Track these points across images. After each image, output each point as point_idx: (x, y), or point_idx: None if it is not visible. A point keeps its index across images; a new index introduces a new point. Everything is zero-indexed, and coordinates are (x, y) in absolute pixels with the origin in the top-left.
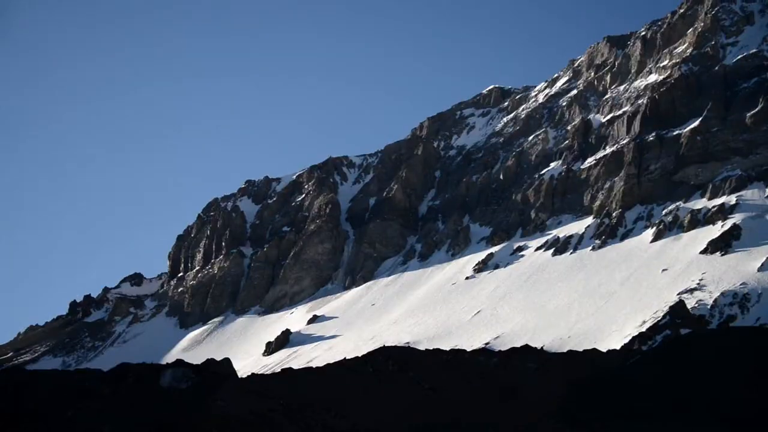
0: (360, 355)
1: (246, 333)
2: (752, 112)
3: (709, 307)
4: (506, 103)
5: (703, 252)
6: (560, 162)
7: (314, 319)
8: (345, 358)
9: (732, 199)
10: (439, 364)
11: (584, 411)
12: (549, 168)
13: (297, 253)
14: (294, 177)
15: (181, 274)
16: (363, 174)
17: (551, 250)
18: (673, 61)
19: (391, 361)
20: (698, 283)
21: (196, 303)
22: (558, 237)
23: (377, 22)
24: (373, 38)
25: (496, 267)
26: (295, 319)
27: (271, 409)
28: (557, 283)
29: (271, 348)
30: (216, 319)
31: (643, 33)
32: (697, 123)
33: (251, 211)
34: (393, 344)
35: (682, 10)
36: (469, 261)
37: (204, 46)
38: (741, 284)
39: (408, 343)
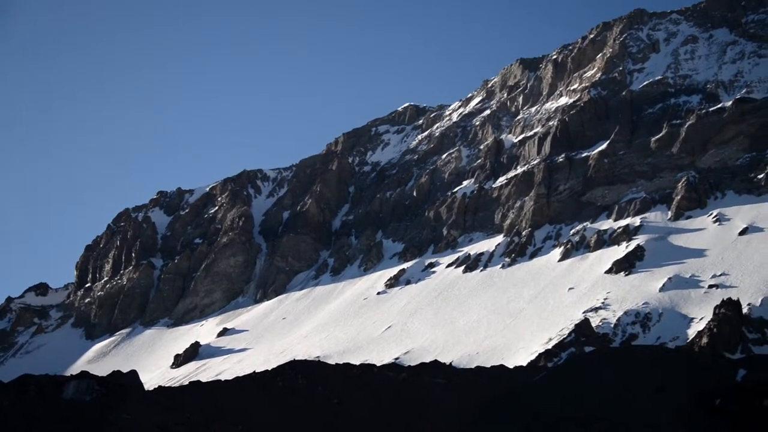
0: (269, 369)
1: (154, 345)
2: (657, 136)
3: (612, 325)
4: (421, 121)
5: (608, 272)
6: (472, 180)
7: (224, 332)
8: (254, 372)
9: (636, 220)
10: (349, 378)
11: (491, 426)
12: (461, 186)
13: (208, 265)
14: (207, 189)
15: (88, 284)
16: (277, 188)
17: (462, 267)
18: (583, 84)
19: (300, 375)
20: (603, 302)
21: (104, 314)
22: (469, 254)
23: (293, 35)
24: (290, 52)
25: (408, 283)
26: (204, 331)
27: (177, 422)
28: (467, 300)
29: (179, 360)
30: (123, 331)
31: (555, 56)
32: (604, 146)
33: (163, 223)
34: (303, 358)
35: (592, 36)
36: (381, 276)
37: (117, 53)
38: (643, 304)
39: (318, 357)
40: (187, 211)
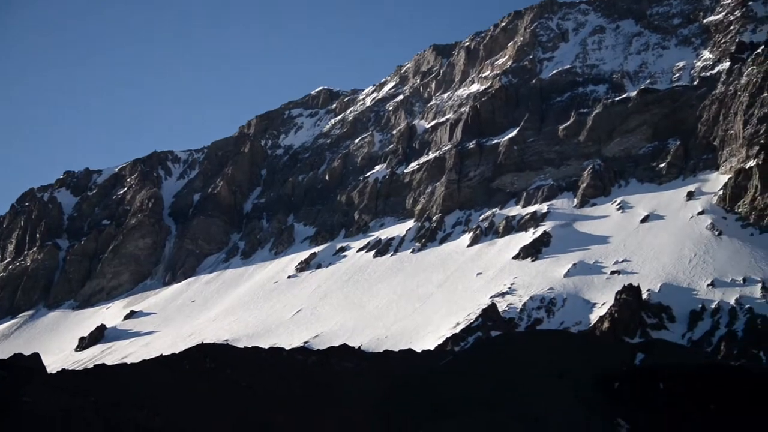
0: (177, 352)
1: (58, 328)
2: (565, 125)
3: (518, 310)
4: (334, 105)
5: (516, 257)
6: (385, 165)
7: (131, 315)
8: (161, 355)
9: (544, 207)
10: (257, 362)
11: (399, 409)
12: (374, 171)
13: (116, 247)
14: (116, 170)
15: None
16: (188, 169)
17: (373, 252)
18: (494, 72)
19: (208, 359)
20: (510, 288)
21: (6, 296)
22: (380, 239)
23: (207, 15)
24: (201, 33)
25: (319, 267)
26: (111, 314)
27: (81, 406)
28: (377, 284)
29: (84, 343)
30: (26, 313)
31: (468, 43)
32: (514, 133)
33: (69, 203)
34: (211, 341)
35: (503, 24)
36: (292, 260)
37: (29, 39)
38: (548, 289)
39: (227, 340)
40: (94, 191)
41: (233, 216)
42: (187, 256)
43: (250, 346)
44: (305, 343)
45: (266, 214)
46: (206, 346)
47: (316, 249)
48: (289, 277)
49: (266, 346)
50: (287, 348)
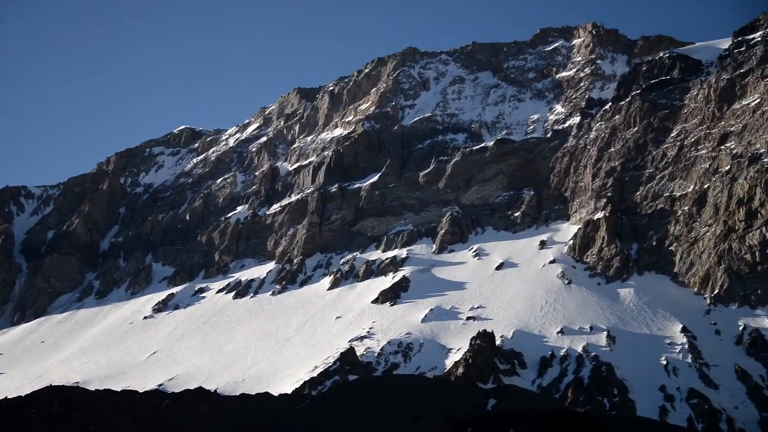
0: (23, 395)
1: None
2: (425, 171)
3: (376, 354)
4: (197, 144)
5: (375, 301)
6: (247, 206)
7: None
8: (6, 398)
9: (403, 252)
10: (109, 405)
11: None
12: (235, 211)
13: None
14: None
15: None
16: (42, 205)
17: (232, 293)
18: (358, 117)
19: (56, 402)
20: (368, 331)
21: None
22: (240, 280)
23: (72, 50)
24: (60, 68)
25: (177, 307)
26: None
27: None
28: (236, 326)
29: None
30: None
31: (332, 88)
32: (376, 178)
33: None
34: (60, 383)
35: (367, 70)
36: (149, 300)
37: None
38: (406, 334)
39: (78, 382)
40: None
41: (89, 254)
42: (38, 295)
43: (102, 388)
44: (160, 385)
45: (123, 253)
46: (54, 388)
47: (174, 289)
48: (145, 317)
49: (119, 389)
50: (141, 391)
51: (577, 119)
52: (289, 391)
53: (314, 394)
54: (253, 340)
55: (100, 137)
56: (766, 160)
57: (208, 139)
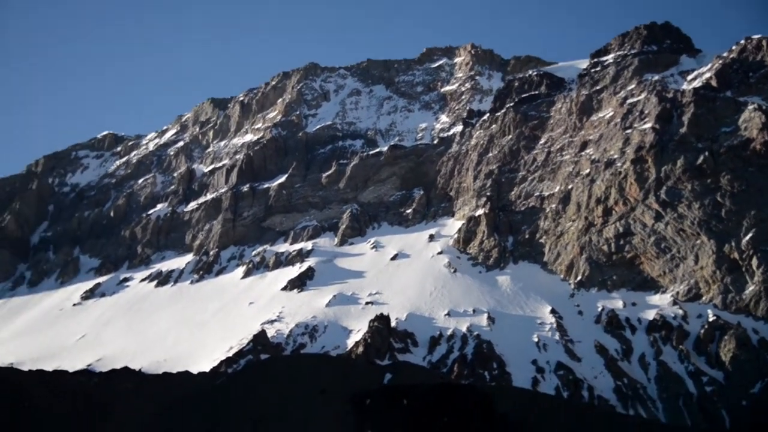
0: None
1: None
2: (327, 173)
3: (285, 336)
4: (119, 148)
5: (284, 289)
6: (166, 204)
7: None
8: None
9: (309, 245)
10: (41, 384)
11: (175, 426)
12: (156, 209)
13: None
14: None
15: None
16: None
17: (154, 282)
18: (266, 124)
19: None
20: (278, 316)
21: None
22: (161, 271)
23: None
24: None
25: (103, 295)
26: None
27: None
28: (158, 312)
29: None
30: None
31: (242, 98)
32: (283, 179)
33: None
34: None
35: (274, 82)
36: (78, 289)
37: None
38: (312, 317)
39: (12, 363)
40: None
41: (20, 248)
42: None
43: (34, 369)
44: (88, 365)
45: (53, 247)
46: None
47: (100, 279)
48: (74, 305)
49: (51, 369)
50: (71, 371)
51: (459, 128)
52: (207, 370)
53: (230, 371)
54: (173, 324)
55: (29, 142)
56: (619, 164)
57: (129, 144)
